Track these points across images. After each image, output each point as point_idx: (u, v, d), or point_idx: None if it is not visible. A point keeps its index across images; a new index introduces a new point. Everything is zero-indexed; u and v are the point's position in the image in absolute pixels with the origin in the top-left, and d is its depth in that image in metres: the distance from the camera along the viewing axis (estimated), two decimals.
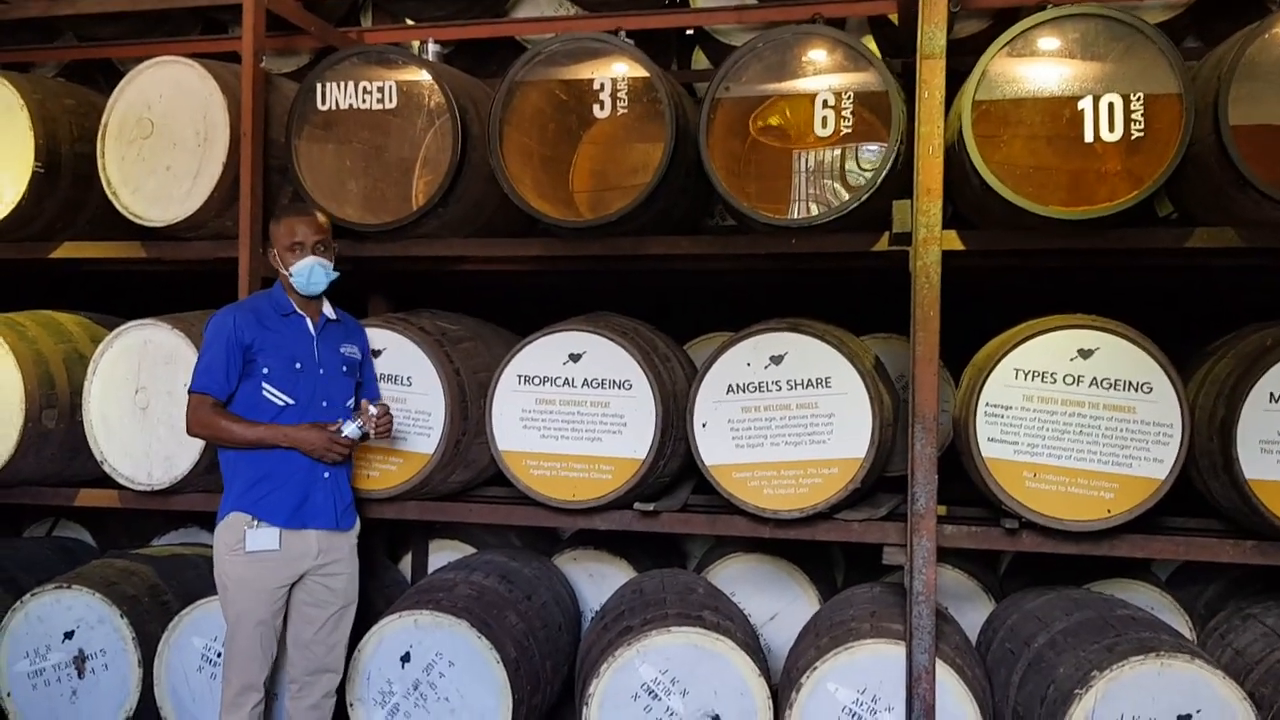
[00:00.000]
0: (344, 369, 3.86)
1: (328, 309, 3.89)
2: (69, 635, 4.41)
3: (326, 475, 3.75)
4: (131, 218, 4.37)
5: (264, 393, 3.70)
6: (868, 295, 5.29)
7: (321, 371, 3.79)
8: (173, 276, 5.10)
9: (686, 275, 5.11)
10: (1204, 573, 4.90)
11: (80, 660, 4.40)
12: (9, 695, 4.43)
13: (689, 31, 5.69)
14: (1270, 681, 3.74)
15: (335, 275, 3.79)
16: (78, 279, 5.43)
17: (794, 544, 4.29)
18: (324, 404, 3.77)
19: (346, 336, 3.93)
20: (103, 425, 4.37)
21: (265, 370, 3.70)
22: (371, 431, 3.73)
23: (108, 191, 4.41)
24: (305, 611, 3.82)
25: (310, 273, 3.72)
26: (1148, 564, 4.99)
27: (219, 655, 4.17)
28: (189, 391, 3.71)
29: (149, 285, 5.38)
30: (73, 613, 4.41)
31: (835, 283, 5.23)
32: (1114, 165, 3.61)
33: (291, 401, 3.72)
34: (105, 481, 4.46)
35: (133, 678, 4.34)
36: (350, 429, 3.69)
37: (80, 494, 4.58)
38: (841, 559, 5.62)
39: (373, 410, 3.71)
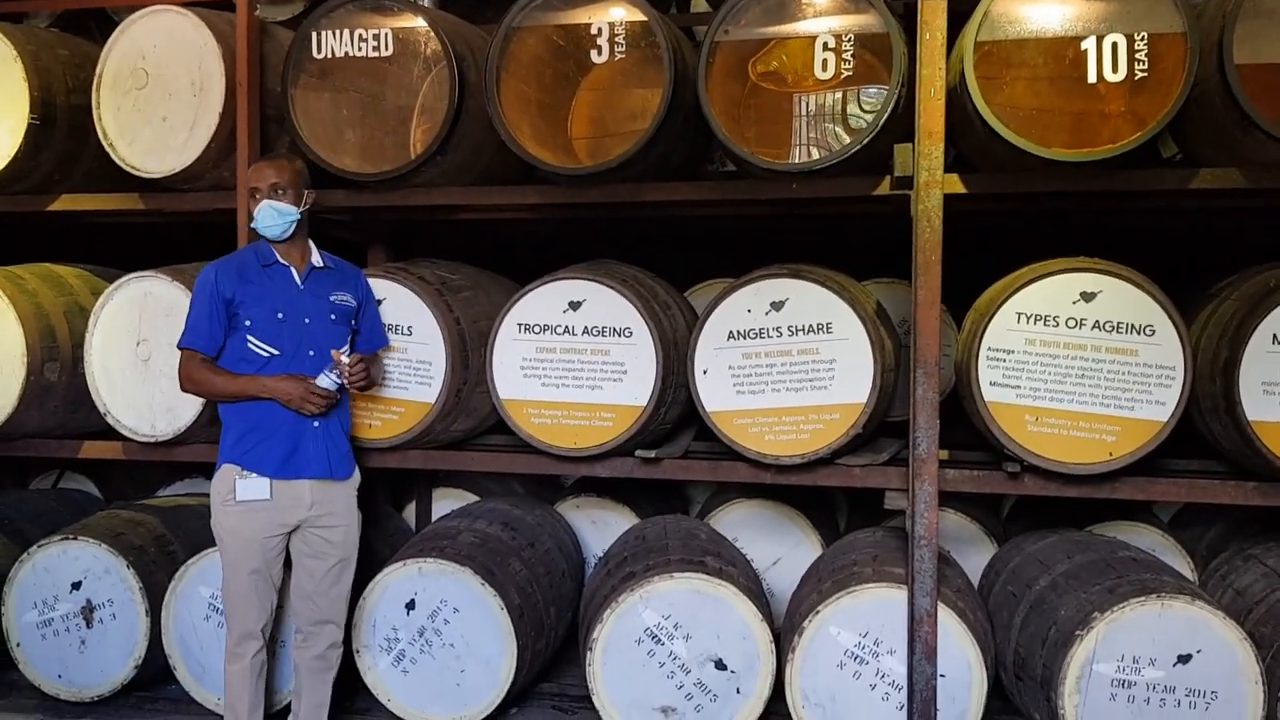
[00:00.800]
0: (332, 317, 3.81)
1: (316, 257, 3.83)
2: (76, 586, 4.44)
3: (316, 425, 3.73)
4: (128, 169, 4.34)
5: (249, 345, 3.70)
6: (868, 240, 5.27)
7: (307, 321, 3.75)
8: (171, 228, 5.08)
9: (686, 222, 5.07)
10: (1206, 514, 4.92)
11: (88, 610, 4.44)
12: (18, 645, 4.48)
13: None
14: (1270, 621, 3.76)
15: (295, 216, 3.70)
16: (76, 231, 5.40)
17: (797, 489, 4.31)
18: (310, 353, 3.73)
19: (340, 284, 3.87)
20: (105, 377, 4.37)
21: (248, 323, 3.69)
22: (345, 382, 3.69)
23: (104, 143, 4.37)
24: (305, 563, 3.84)
25: (262, 216, 3.67)
26: (1149, 506, 5.01)
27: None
28: (178, 348, 3.75)
29: (147, 237, 5.36)
30: (79, 563, 4.44)
31: (835, 228, 5.19)
32: (1117, 106, 3.57)
33: (276, 352, 3.71)
34: (109, 434, 4.47)
35: (140, 627, 4.38)
36: (325, 380, 3.66)
37: (84, 446, 4.59)
38: (844, 504, 5.65)
39: (344, 359, 3.66)
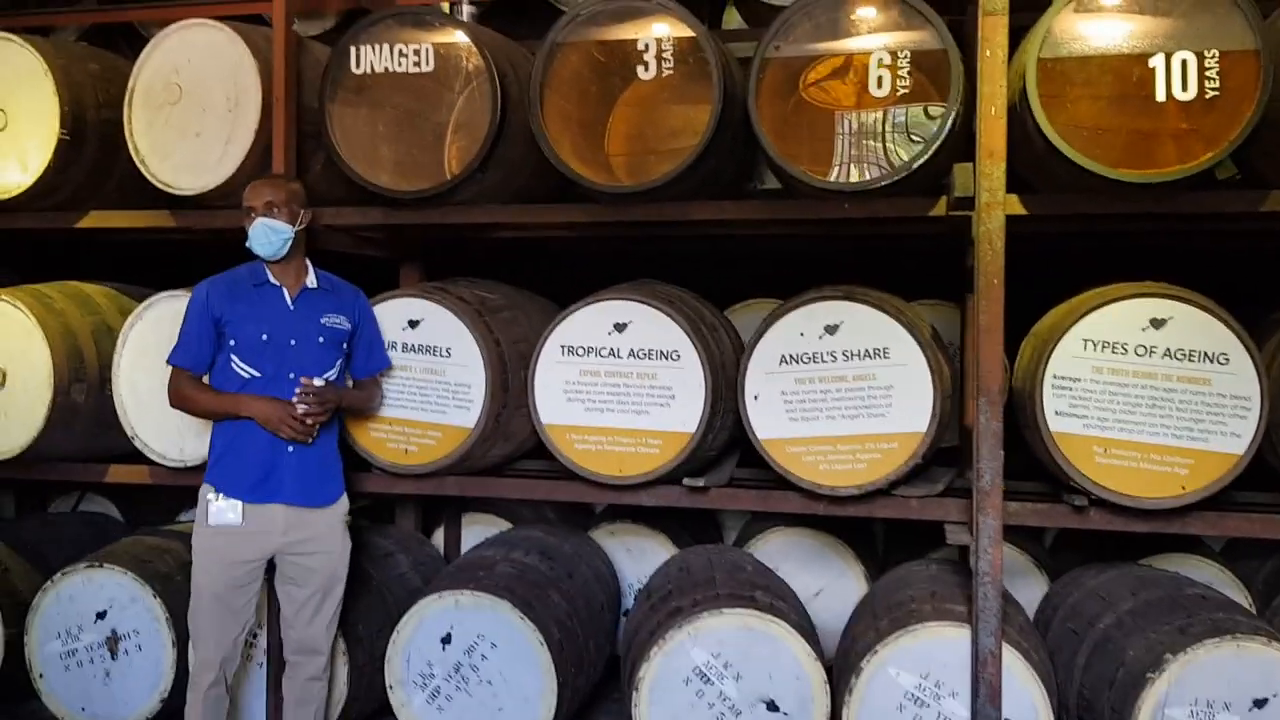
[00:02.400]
0: (320, 340, 3.72)
1: (311, 277, 3.77)
2: (101, 615, 4.32)
3: (290, 450, 3.63)
4: (160, 186, 4.23)
5: (232, 365, 3.65)
6: (908, 260, 5.15)
7: (293, 343, 3.67)
8: (203, 246, 4.96)
9: (721, 241, 4.96)
10: (1261, 545, 4.75)
11: (113, 641, 4.31)
12: (41, 676, 4.35)
13: None
14: None
15: (289, 235, 3.65)
16: (105, 249, 5.31)
17: (837, 518, 4.17)
18: (291, 376, 3.63)
19: (335, 306, 3.79)
20: (133, 399, 4.27)
21: (232, 342, 3.65)
22: (306, 407, 3.58)
23: (135, 159, 4.27)
24: (285, 589, 3.76)
25: (256, 235, 3.63)
26: (1201, 537, 4.85)
27: (254, 636, 4.08)
28: (167, 363, 3.72)
29: (178, 255, 5.25)
30: (105, 592, 4.32)
31: (873, 248, 5.09)
32: (1186, 125, 3.43)
33: (257, 374, 3.64)
34: (135, 457, 4.36)
35: (166, 658, 4.25)
36: (300, 406, 3.58)
37: (110, 469, 4.47)
38: (881, 531, 5.50)
39: (316, 382, 3.60)
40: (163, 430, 4.22)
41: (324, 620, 3.78)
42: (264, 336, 3.64)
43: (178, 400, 3.72)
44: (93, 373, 4.32)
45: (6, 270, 5.38)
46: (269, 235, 3.63)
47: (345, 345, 3.83)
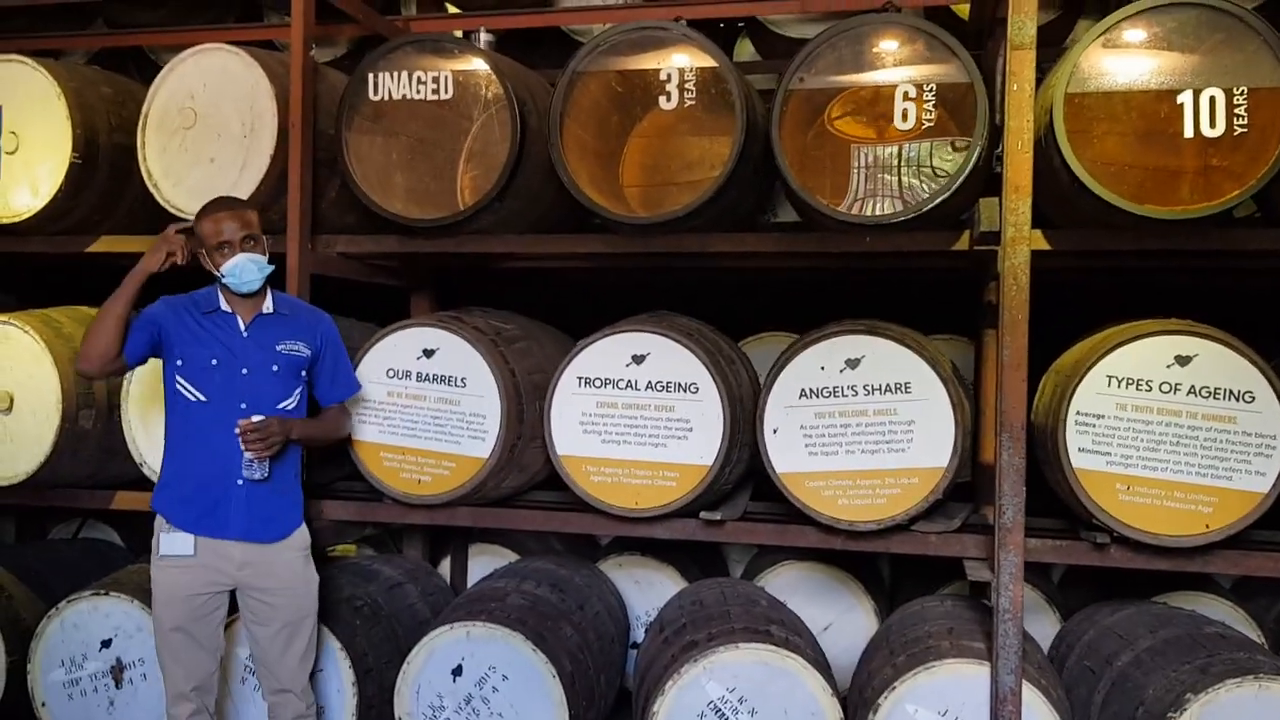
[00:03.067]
0: (275, 369, 3.57)
1: (268, 303, 3.61)
2: (106, 644, 4.26)
3: (240, 482, 3.49)
4: (173, 211, 4.19)
5: (178, 386, 3.52)
6: (916, 294, 5.15)
7: (244, 371, 3.53)
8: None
9: (730, 273, 4.95)
10: (1270, 584, 4.73)
11: (118, 670, 4.25)
12: (44, 705, 4.29)
13: (740, 23, 5.53)
14: None
15: (269, 269, 3.54)
16: (115, 273, 5.26)
17: (845, 552, 4.13)
18: (242, 405, 3.49)
19: (294, 333, 3.63)
20: (141, 426, 4.23)
21: (179, 361, 3.52)
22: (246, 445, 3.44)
23: (148, 184, 4.24)
24: (250, 628, 3.64)
25: (241, 270, 3.47)
26: (1212, 575, 4.83)
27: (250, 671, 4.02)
28: None
29: (189, 281, 5.22)
30: (110, 620, 4.26)
31: (881, 281, 5.08)
32: (1214, 162, 3.43)
33: (204, 398, 3.50)
34: (142, 483, 4.31)
35: None
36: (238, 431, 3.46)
37: (117, 496, 4.43)
38: (887, 564, 5.47)
39: (255, 419, 3.43)
40: None
41: (294, 658, 3.62)
42: (213, 361, 3.50)
43: (81, 346, 3.54)
44: (101, 399, 4.28)
45: (15, 295, 5.34)
46: (254, 271, 3.49)
47: (304, 372, 3.68)
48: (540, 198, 4.17)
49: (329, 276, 4.36)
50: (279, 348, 3.59)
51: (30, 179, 4.32)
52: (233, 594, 3.63)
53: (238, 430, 3.42)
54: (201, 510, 3.50)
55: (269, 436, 3.45)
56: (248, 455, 3.44)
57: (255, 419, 3.44)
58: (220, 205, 3.56)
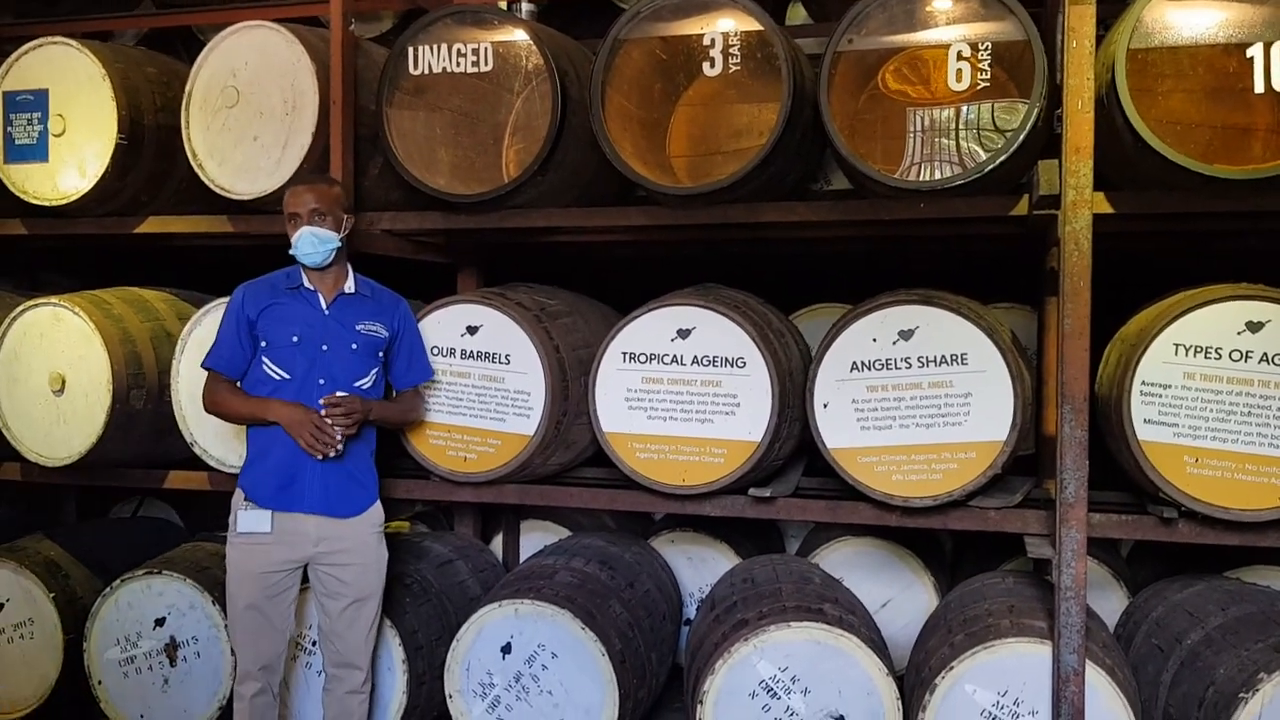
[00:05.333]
0: (354, 347, 3.63)
1: (350, 283, 3.67)
2: (160, 622, 4.30)
3: (318, 457, 3.53)
4: (218, 190, 4.20)
5: (264, 367, 3.58)
6: (973, 262, 5.00)
7: (325, 348, 3.58)
8: (260, 251, 4.92)
9: (779, 245, 4.84)
10: None
11: (172, 648, 4.29)
12: (100, 684, 4.34)
13: None
14: None
15: (335, 244, 3.57)
16: (161, 254, 5.29)
17: (904, 528, 4.03)
18: (321, 382, 3.55)
19: (373, 313, 3.70)
20: (192, 406, 4.22)
21: (264, 343, 3.58)
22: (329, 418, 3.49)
23: (193, 164, 4.23)
24: (321, 601, 3.69)
25: (303, 243, 3.54)
26: None
27: (314, 644, 4.03)
28: (202, 367, 3.69)
29: (236, 260, 5.23)
30: (163, 599, 4.30)
31: (936, 250, 4.94)
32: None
33: (287, 376, 3.56)
34: (194, 463, 4.32)
35: (225, 666, 4.21)
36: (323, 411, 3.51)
37: (170, 476, 4.45)
38: (948, 540, 5.34)
39: (339, 394, 3.53)
40: (222, 436, 4.18)
41: (360, 634, 3.69)
42: (295, 338, 3.56)
43: (210, 404, 3.67)
44: (151, 378, 4.29)
45: (65, 276, 5.39)
46: (315, 244, 3.54)
47: (382, 354, 3.73)
48: (583, 170, 4.09)
49: (375, 254, 4.32)
50: (358, 327, 3.64)
51: (78, 161, 4.34)
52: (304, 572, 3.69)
53: (322, 403, 3.49)
54: (279, 484, 3.56)
55: (352, 413, 3.52)
56: (332, 427, 3.49)
57: (339, 394, 3.52)
58: (297, 179, 3.71)
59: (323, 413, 3.49)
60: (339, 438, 3.51)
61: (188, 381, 4.23)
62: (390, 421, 3.83)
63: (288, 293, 3.62)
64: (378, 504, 3.73)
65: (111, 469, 4.44)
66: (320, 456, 3.50)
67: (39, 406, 4.25)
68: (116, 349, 4.19)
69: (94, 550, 4.88)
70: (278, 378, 3.57)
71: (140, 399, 4.25)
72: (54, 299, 4.25)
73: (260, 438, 3.60)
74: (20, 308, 4.28)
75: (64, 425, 4.23)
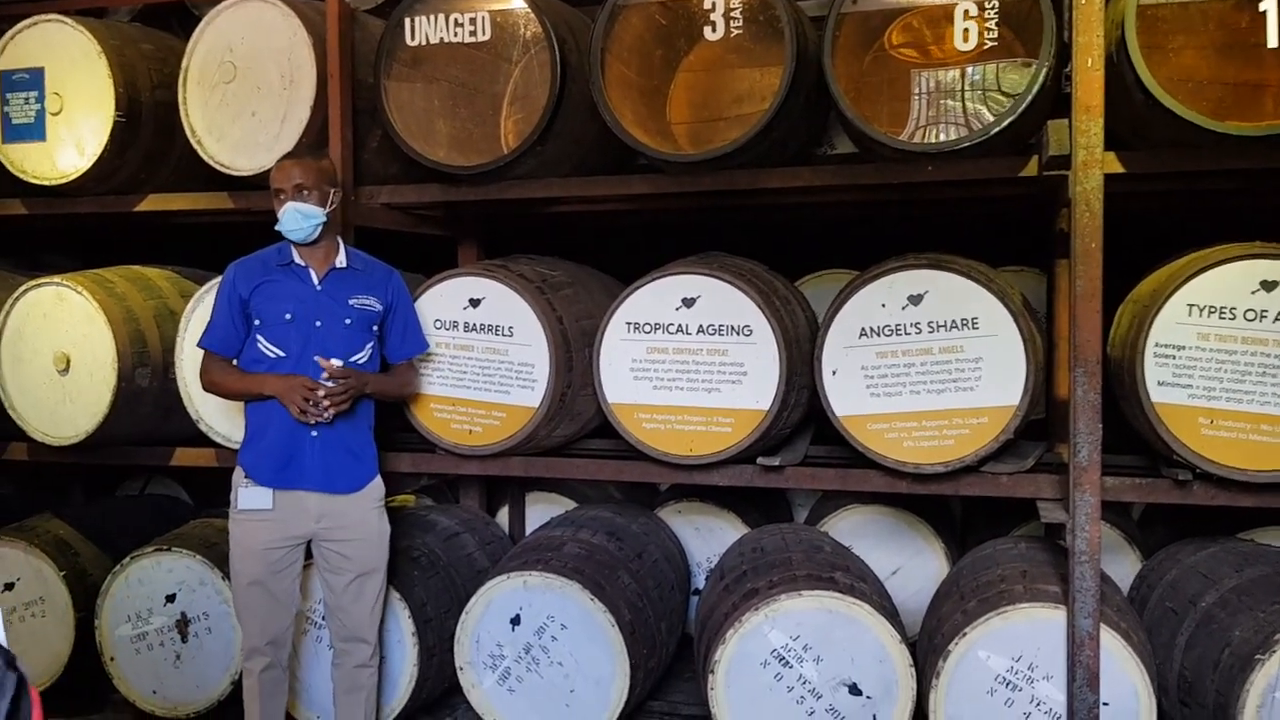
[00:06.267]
0: (348, 322, 3.59)
1: (341, 257, 3.63)
2: (171, 598, 4.30)
3: (315, 434, 3.52)
4: (217, 167, 4.16)
5: (259, 345, 3.56)
6: (981, 226, 4.95)
7: (318, 324, 3.54)
8: (261, 227, 4.89)
9: (785, 211, 4.79)
10: None
11: (183, 623, 4.29)
12: (112, 660, 4.35)
13: None
14: None
15: (320, 220, 3.51)
16: (161, 231, 5.26)
17: (913, 495, 4.00)
18: (316, 358, 3.51)
19: (366, 287, 3.65)
20: (197, 383, 4.16)
21: (257, 321, 3.56)
22: (330, 385, 3.46)
23: (191, 140, 4.19)
24: (325, 577, 3.68)
25: (287, 219, 3.50)
26: None
27: (323, 618, 4.02)
28: (198, 346, 3.67)
29: (236, 236, 5.20)
30: (174, 575, 4.31)
31: (943, 214, 4.89)
32: None
33: (282, 354, 3.54)
34: (201, 439, 4.31)
35: (237, 641, 4.19)
36: (326, 385, 3.47)
37: (176, 453, 4.43)
38: (959, 506, 5.32)
39: (335, 362, 3.49)
40: (227, 413, 4.16)
41: (365, 608, 3.68)
42: (288, 316, 3.53)
43: (207, 383, 3.65)
44: (156, 357, 4.27)
45: (65, 256, 5.36)
46: (299, 220, 3.50)
47: (376, 327, 3.70)
48: (583, 139, 4.04)
49: (375, 228, 4.29)
50: (351, 301, 3.61)
51: (76, 139, 4.31)
52: (308, 546, 3.67)
53: (321, 365, 3.46)
54: (279, 462, 3.54)
55: (348, 389, 3.50)
56: (320, 391, 3.45)
57: (335, 362, 3.49)
58: (287, 155, 3.64)
59: (324, 377, 3.46)
60: (326, 404, 3.45)
61: (192, 359, 4.20)
62: (388, 394, 3.80)
63: (279, 269, 3.58)
64: (378, 479, 3.70)
65: (118, 447, 4.43)
66: (312, 421, 3.47)
67: (44, 386, 4.23)
68: (120, 327, 4.16)
69: (103, 528, 4.89)
70: (273, 355, 3.55)
71: (145, 377, 4.23)
72: (57, 278, 4.23)
73: (258, 414, 3.58)
74: (23, 287, 4.26)
75: (70, 404, 4.21)
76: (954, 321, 3.46)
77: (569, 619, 3.89)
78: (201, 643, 4.29)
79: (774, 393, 3.62)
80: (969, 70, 3.50)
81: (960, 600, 3.63)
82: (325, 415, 3.47)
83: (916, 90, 3.60)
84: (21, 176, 4.39)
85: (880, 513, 4.77)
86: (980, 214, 4.87)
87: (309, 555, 3.70)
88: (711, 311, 3.69)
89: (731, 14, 3.66)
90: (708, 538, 5.00)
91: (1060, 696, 3.37)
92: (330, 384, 3.46)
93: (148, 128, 4.33)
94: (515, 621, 3.95)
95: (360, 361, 3.63)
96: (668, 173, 3.91)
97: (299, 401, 3.43)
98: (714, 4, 3.67)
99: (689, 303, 3.73)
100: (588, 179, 4.12)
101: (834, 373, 3.58)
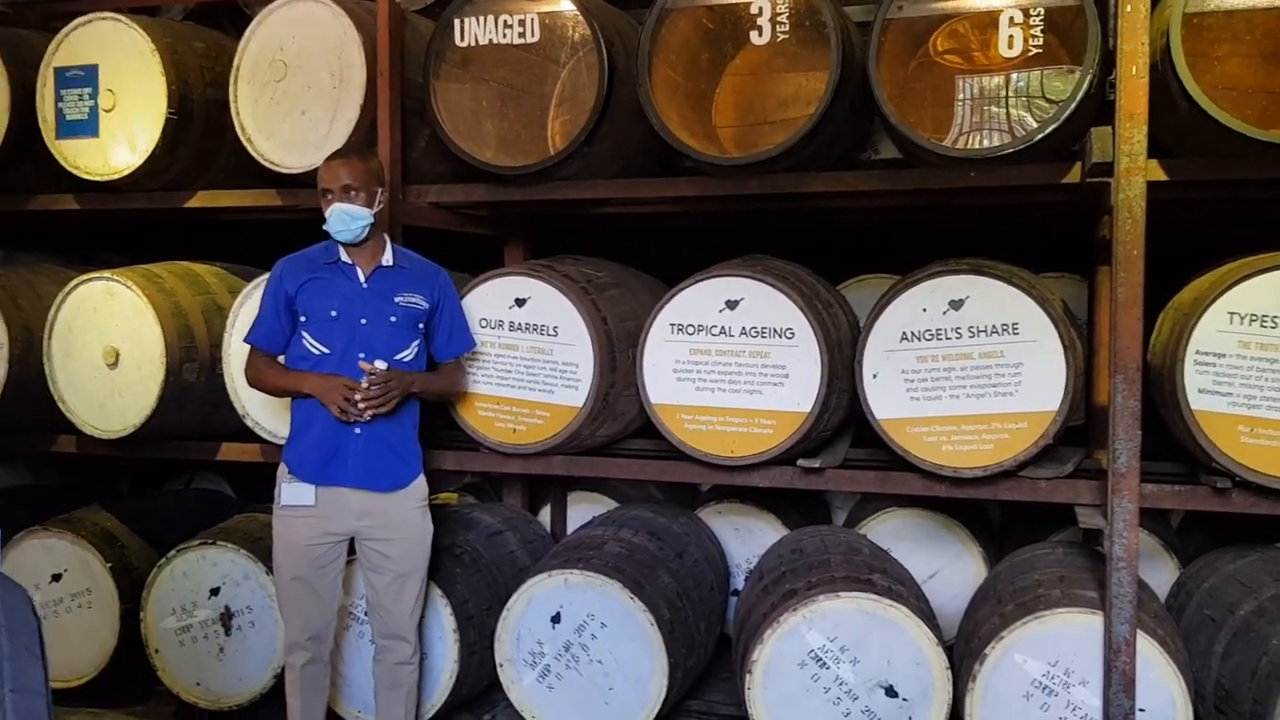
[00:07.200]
0: (393, 320, 3.61)
1: (388, 255, 3.65)
2: (215, 592, 4.37)
3: (358, 432, 3.54)
4: (266, 164, 4.23)
5: (304, 341, 3.59)
6: (1022, 231, 4.95)
7: (363, 322, 3.57)
8: (309, 225, 4.97)
9: (827, 215, 4.81)
10: None
11: (227, 617, 4.36)
12: (157, 652, 4.42)
13: None
14: None
15: (368, 221, 3.53)
16: (210, 228, 5.35)
17: (952, 499, 4.02)
18: (361, 355, 3.54)
19: (412, 284, 3.67)
20: (243, 378, 4.26)
21: (303, 318, 3.59)
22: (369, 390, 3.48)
23: (241, 138, 4.27)
24: (367, 575, 3.71)
25: (335, 219, 3.52)
26: None
27: (365, 614, 4.08)
28: (244, 342, 3.72)
29: (284, 234, 5.28)
30: (218, 569, 4.37)
31: (984, 219, 4.89)
32: None
33: (327, 351, 3.56)
34: (247, 435, 4.38)
35: (280, 635, 4.24)
36: (362, 390, 3.49)
37: (223, 448, 4.51)
38: (996, 511, 5.32)
39: (379, 365, 3.51)
40: (272, 408, 4.23)
41: (406, 607, 3.70)
42: (333, 313, 3.56)
43: (251, 378, 3.70)
44: (204, 352, 4.35)
45: (115, 252, 5.46)
46: (346, 221, 3.51)
47: (422, 325, 3.72)
48: (629, 141, 4.09)
49: (422, 227, 4.35)
50: (397, 300, 3.63)
51: (128, 136, 4.39)
52: (351, 542, 3.72)
53: (363, 369, 3.49)
54: (322, 459, 3.57)
55: (388, 391, 3.51)
56: (358, 395, 3.47)
57: (380, 364, 3.52)
58: (333, 154, 3.66)
59: (363, 382, 3.49)
60: (364, 407, 3.47)
61: (238, 354, 4.26)
62: (434, 393, 3.81)
63: (326, 267, 3.61)
64: (421, 478, 3.72)
65: (165, 441, 4.51)
66: (352, 420, 3.50)
67: (94, 380, 4.31)
68: (169, 322, 4.24)
69: (148, 521, 4.96)
70: (317, 353, 3.58)
71: (193, 372, 4.31)
72: (107, 273, 4.31)
73: (301, 411, 3.62)
74: (74, 282, 4.34)
75: (118, 398, 4.29)
76: (995, 327, 3.47)
77: (609, 617, 3.92)
78: (245, 636, 4.36)
79: (815, 395, 3.65)
80: (1013, 77, 3.52)
81: (997, 604, 3.64)
82: (364, 416, 3.50)
83: (960, 96, 3.62)
84: (74, 172, 4.47)
85: (919, 516, 4.79)
86: (1021, 219, 4.87)
87: (353, 551, 3.75)
88: (754, 314, 3.73)
89: (778, 18, 3.69)
90: (747, 538, 5.02)
91: (1096, 702, 3.38)
92: (371, 387, 3.48)
93: (199, 125, 4.41)
94: (556, 619, 3.99)
95: (406, 359, 3.66)
96: (713, 175, 3.94)
97: (338, 401, 3.47)
98: (761, 8, 3.70)
99: (732, 305, 3.77)
100: (633, 181, 4.16)
101: (875, 376, 3.60)
